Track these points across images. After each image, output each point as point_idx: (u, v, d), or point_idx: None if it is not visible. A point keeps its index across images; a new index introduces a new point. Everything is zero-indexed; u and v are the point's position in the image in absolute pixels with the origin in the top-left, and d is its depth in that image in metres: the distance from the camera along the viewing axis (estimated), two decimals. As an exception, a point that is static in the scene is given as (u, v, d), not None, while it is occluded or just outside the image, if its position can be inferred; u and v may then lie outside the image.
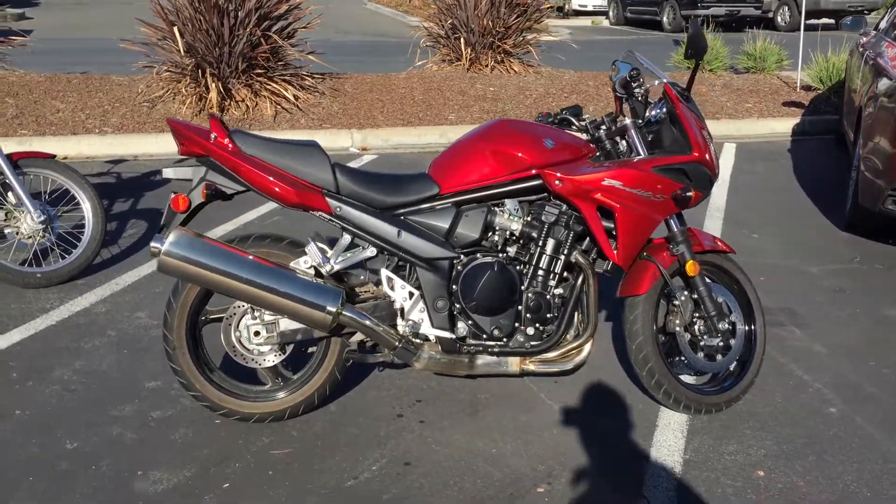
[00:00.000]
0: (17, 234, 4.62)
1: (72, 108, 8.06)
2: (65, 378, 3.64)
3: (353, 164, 7.26)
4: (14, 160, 4.57)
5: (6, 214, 4.60)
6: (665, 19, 21.55)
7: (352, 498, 2.87)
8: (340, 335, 3.23)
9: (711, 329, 3.38)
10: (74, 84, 8.55)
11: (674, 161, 3.23)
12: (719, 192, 6.74)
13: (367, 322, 3.13)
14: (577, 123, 3.40)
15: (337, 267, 3.15)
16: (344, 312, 3.09)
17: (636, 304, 3.34)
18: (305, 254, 3.16)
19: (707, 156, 3.27)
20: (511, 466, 3.07)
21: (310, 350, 3.35)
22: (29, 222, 4.57)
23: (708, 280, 3.50)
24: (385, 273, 3.20)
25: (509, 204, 3.23)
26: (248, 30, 7.92)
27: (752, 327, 3.54)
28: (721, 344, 3.42)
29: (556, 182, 3.15)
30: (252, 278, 2.99)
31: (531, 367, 3.31)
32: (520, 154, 3.16)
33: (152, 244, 3.00)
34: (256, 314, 3.20)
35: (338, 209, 3.15)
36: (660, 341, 3.40)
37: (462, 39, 9.93)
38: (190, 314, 3.21)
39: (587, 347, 3.31)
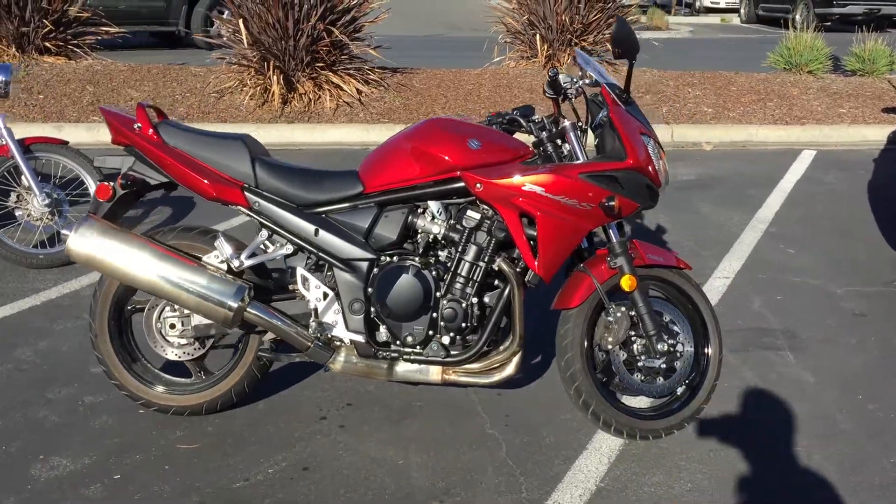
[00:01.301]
0: (28, 216, 4.82)
1: (144, 97, 8.38)
2: (22, 357, 3.75)
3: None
4: (26, 144, 4.76)
5: (17, 197, 4.80)
6: (798, 17, 20.46)
7: (232, 500, 2.82)
8: (255, 332, 3.19)
9: (650, 349, 3.14)
10: (153, 74, 8.88)
11: (604, 168, 3.00)
12: (773, 201, 6.31)
13: (276, 321, 3.07)
14: (524, 124, 3.23)
15: (248, 263, 3.10)
16: (250, 310, 3.04)
17: (568, 318, 3.14)
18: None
19: (648, 165, 3.03)
20: (410, 480, 2.95)
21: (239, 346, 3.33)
22: (36, 205, 4.75)
23: (659, 296, 3.27)
24: (300, 272, 3.13)
25: (433, 206, 3.09)
26: (311, 23, 8.00)
27: (706, 350, 3.26)
28: (663, 366, 3.17)
29: (477, 185, 2.99)
30: (154, 270, 2.98)
31: (453, 377, 3.15)
32: (442, 155, 3.02)
33: (63, 231, 3.04)
34: (176, 306, 3.19)
35: (256, 204, 3.10)
36: (598, 359, 3.20)
37: (538, 36, 9.71)
38: (113, 303, 3.23)
39: (514, 361, 3.13)
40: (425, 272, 3.06)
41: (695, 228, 5.66)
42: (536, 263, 3.00)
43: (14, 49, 9.02)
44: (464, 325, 3.06)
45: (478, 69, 9.68)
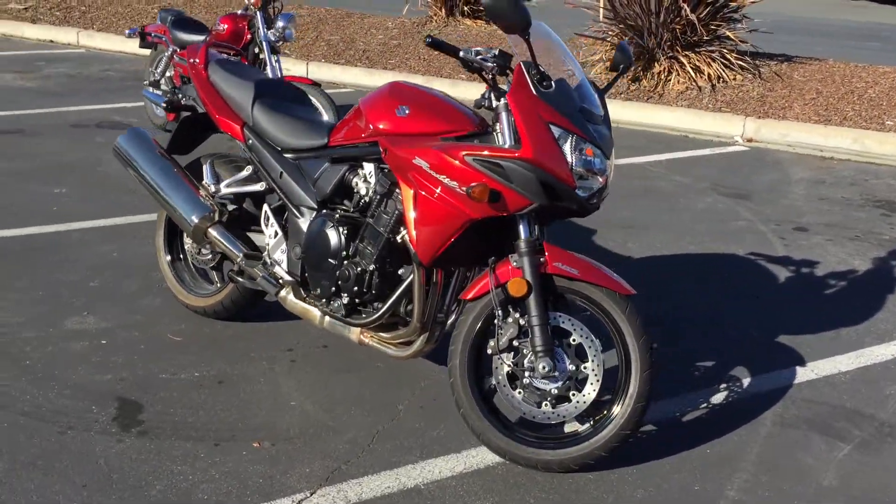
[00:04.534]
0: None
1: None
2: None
3: (722, 152, 6.76)
4: (285, 81, 5.61)
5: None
6: None
7: (140, 384, 3.26)
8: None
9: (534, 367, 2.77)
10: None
11: (493, 154, 2.71)
12: None
13: (231, 247, 3.41)
14: (487, 82, 2.86)
15: (224, 191, 3.48)
16: (212, 231, 3.42)
17: (466, 310, 2.92)
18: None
19: (549, 159, 2.65)
20: (276, 418, 3.09)
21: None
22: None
23: (585, 313, 2.84)
24: (265, 208, 3.41)
25: (367, 168, 3.11)
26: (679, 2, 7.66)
27: (622, 395, 2.76)
28: (554, 391, 2.78)
29: (385, 152, 2.93)
30: (153, 178, 3.52)
31: (367, 341, 3.18)
32: (370, 118, 3.02)
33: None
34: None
35: (248, 141, 3.44)
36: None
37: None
38: (171, 206, 3.85)
39: (418, 342, 3.05)
40: (339, 229, 3.11)
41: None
42: (416, 242, 2.86)
43: (443, 11, 10.18)
44: (355, 288, 3.05)
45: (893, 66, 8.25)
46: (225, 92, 3.53)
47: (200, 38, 6.22)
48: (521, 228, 2.81)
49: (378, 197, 3.03)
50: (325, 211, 3.19)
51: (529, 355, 2.80)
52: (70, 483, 2.71)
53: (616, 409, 2.78)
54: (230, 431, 3.01)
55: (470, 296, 2.88)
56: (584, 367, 2.79)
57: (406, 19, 10.09)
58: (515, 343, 2.81)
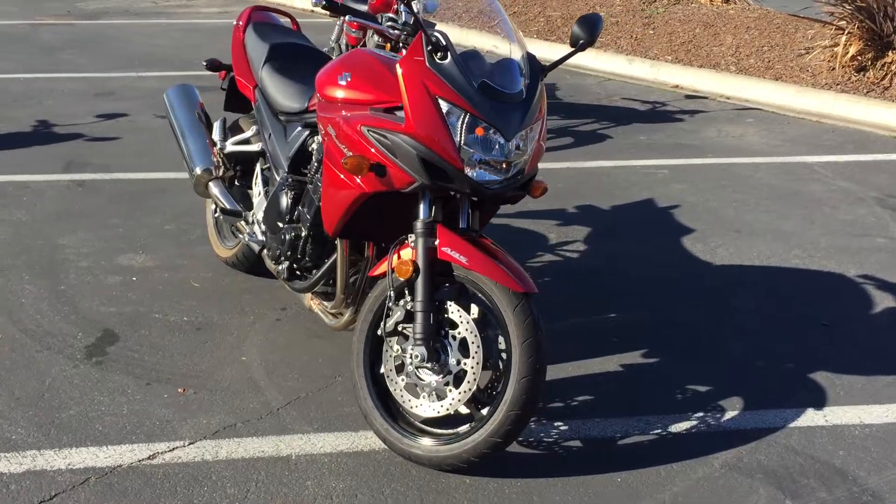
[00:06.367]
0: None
1: (734, 43, 8.12)
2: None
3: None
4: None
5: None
6: None
7: (134, 321, 3.49)
8: (241, 210, 3.66)
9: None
10: (774, 23, 8.43)
11: (382, 126, 2.55)
12: None
13: (225, 202, 3.54)
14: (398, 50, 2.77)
15: (229, 148, 3.59)
16: (210, 184, 3.56)
17: (374, 287, 2.80)
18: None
19: (431, 135, 2.46)
20: (211, 371, 3.17)
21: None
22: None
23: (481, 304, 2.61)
24: (257, 168, 3.48)
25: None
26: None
27: (498, 400, 2.51)
28: (433, 382, 2.59)
29: (318, 122, 2.88)
30: (179, 130, 3.74)
31: (314, 307, 3.18)
32: (318, 85, 2.96)
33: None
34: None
35: (257, 102, 3.53)
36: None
37: None
38: (217, 162, 4.06)
39: (346, 314, 3.00)
40: (288, 193, 3.12)
41: None
42: (322, 212, 2.79)
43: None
44: (289, 252, 3.04)
45: None
46: (248, 53, 3.65)
47: (363, 7, 6.42)
48: (421, 208, 2.63)
49: (316, 164, 3.00)
50: (287, 175, 3.21)
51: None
52: (9, 393, 3.01)
53: (490, 414, 2.53)
54: (169, 374, 3.15)
55: (375, 273, 2.77)
56: (464, 364, 2.57)
57: (636, -3, 9.65)
58: (401, 328, 2.65)
